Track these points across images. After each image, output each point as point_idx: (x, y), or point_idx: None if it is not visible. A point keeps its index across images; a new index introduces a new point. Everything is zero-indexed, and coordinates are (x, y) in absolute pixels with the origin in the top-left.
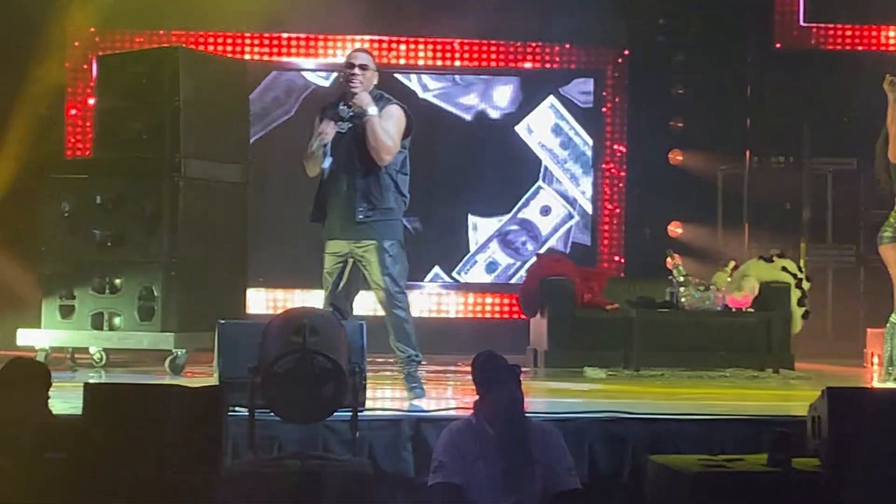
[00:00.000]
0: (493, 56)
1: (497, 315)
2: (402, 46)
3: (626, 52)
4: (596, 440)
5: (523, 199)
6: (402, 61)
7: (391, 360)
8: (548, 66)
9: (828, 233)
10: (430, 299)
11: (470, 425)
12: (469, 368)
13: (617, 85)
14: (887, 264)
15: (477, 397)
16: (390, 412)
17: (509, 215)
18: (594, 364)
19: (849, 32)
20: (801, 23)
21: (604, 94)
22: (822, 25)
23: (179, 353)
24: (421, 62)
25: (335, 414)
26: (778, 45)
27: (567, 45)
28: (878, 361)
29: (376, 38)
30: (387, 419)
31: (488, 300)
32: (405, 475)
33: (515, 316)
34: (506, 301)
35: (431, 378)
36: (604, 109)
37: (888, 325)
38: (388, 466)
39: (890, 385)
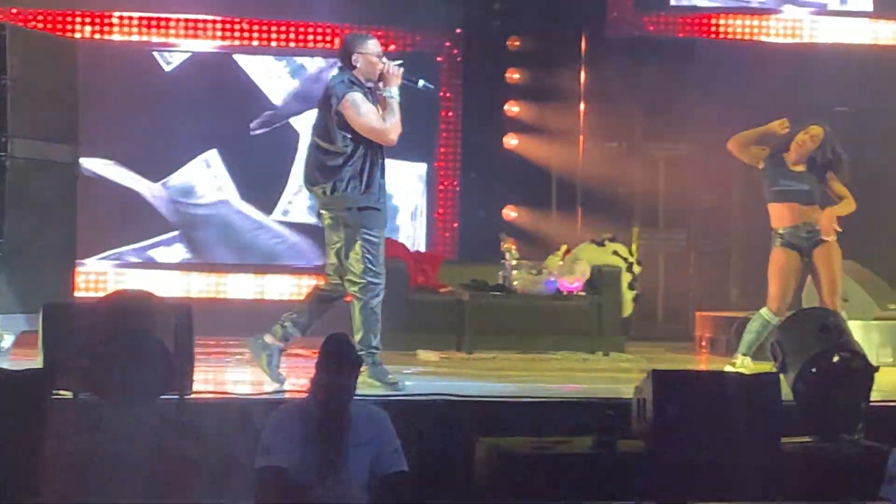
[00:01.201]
0: (328, 39)
1: None
2: (239, 27)
3: (461, 36)
4: (426, 422)
5: None
6: (236, 43)
7: (223, 343)
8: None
9: (659, 218)
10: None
11: (299, 407)
12: (303, 351)
13: (451, 69)
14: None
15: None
16: (219, 395)
17: None
18: (427, 347)
19: (681, 19)
20: (635, 9)
21: (439, 77)
22: (655, 12)
23: (5, 336)
24: (255, 43)
25: (162, 397)
26: (612, 32)
27: (401, 29)
28: (706, 344)
29: (208, 17)
30: (215, 402)
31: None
32: (234, 458)
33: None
34: None
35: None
36: (439, 94)
37: (757, 315)
38: (216, 450)
39: (728, 369)
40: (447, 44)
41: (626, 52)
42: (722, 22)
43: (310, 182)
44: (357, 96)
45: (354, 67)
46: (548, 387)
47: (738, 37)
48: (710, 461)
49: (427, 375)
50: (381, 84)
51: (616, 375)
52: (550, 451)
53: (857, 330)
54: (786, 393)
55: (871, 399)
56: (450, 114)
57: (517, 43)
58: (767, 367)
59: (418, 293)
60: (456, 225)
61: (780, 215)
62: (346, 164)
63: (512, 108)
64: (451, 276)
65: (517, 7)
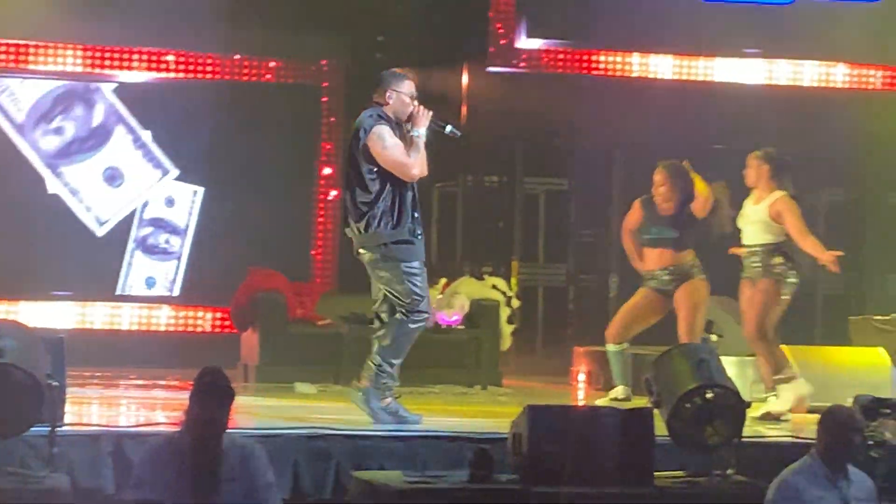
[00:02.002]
0: (210, 69)
1: (209, 328)
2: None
3: (344, 67)
4: (300, 456)
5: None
6: (111, 71)
7: (98, 375)
8: (265, 79)
9: (539, 252)
10: (142, 311)
11: (171, 440)
12: (179, 383)
13: (334, 100)
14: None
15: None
16: (90, 428)
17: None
18: (305, 379)
19: (561, 55)
20: (516, 45)
21: (321, 110)
22: (536, 48)
23: None
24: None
25: (32, 429)
26: (493, 66)
27: (282, 60)
28: (584, 378)
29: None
30: (86, 434)
31: (199, 313)
32: (104, 492)
33: (227, 330)
34: (217, 315)
35: (139, 392)
36: (321, 126)
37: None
38: (87, 483)
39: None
40: (330, 74)
41: (507, 86)
42: (602, 59)
43: (345, 223)
44: (384, 130)
45: (387, 104)
46: (425, 420)
47: (619, 74)
48: (585, 495)
49: (303, 408)
50: (409, 124)
51: (493, 409)
52: (425, 485)
53: (732, 366)
54: (660, 428)
55: (744, 435)
56: (329, 145)
57: None
58: (642, 401)
59: (297, 326)
60: (336, 256)
61: (647, 258)
62: (377, 202)
63: None
64: (330, 309)
65: (400, 40)
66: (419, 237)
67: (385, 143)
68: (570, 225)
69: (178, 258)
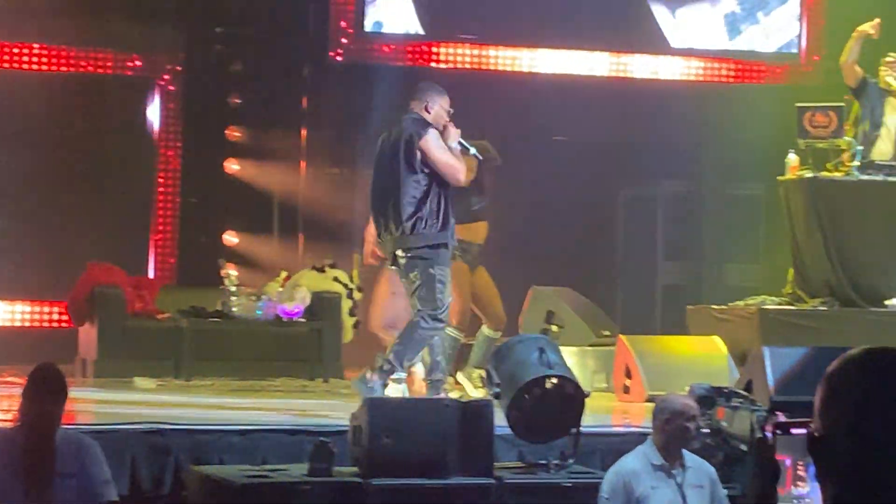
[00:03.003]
0: (45, 61)
1: (46, 323)
2: None
3: (183, 61)
4: (138, 451)
5: None
6: None
7: None
8: (100, 71)
9: None
10: None
11: (4, 437)
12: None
13: (172, 93)
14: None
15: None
16: None
17: None
18: (145, 374)
19: (405, 48)
20: (358, 36)
21: (159, 102)
22: (378, 40)
23: None
24: None
25: None
26: (334, 58)
27: (120, 52)
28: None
29: None
30: None
31: (37, 308)
32: None
33: (65, 325)
34: (55, 310)
35: None
36: (159, 118)
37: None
38: None
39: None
40: (168, 68)
41: (348, 78)
42: (443, 50)
43: (387, 218)
44: (436, 133)
45: (427, 113)
46: (265, 414)
47: (462, 66)
48: (425, 487)
49: (142, 403)
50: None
51: (335, 402)
52: (264, 479)
53: (572, 356)
54: (500, 419)
55: (583, 425)
56: (167, 137)
57: (239, 68)
58: (482, 392)
59: (136, 320)
60: (175, 250)
61: (475, 233)
62: (424, 204)
63: (233, 133)
64: (170, 302)
65: (240, 32)
66: (454, 243)
67: (440, 145)
68: None
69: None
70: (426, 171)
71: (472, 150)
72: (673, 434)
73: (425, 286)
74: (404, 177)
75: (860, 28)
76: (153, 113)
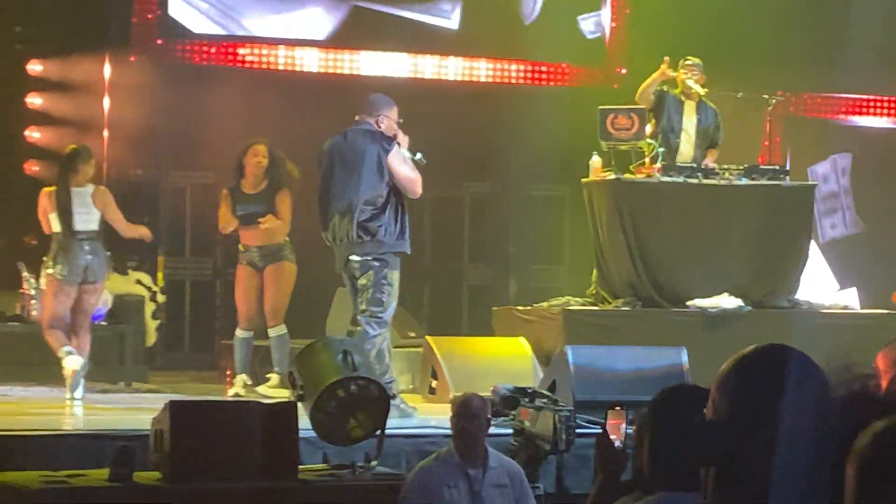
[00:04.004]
0: None
1: None
2: None
3: None
4: None
5: None
6: None
7: None
8: None
9: (186, 246)
10: None
11: None
12: None
13: None
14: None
15: None
16: None
17: None
18: None
19: (207, 47)
20: (160, 36)
21: None
22: (180, 40)
23: None
24: None
25: None
26: (136, 58)
27: None
28: (229, 373)
29: None
30: None
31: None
32: None
33: None
34: None
35: None
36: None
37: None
38: None
39: (239, 395)
40: None
41: (151, 78)
42: (246, 51)
43: (342, 228)
44: (398, 148)
45: (379, 126)
46: (66, 419)
47: (265, 66)
48: (228, 490)
49: None
50: None
51: (138, 406)
52: (62, 485)
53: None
54: (304, 421)
55: (388, 426)
56: None
57: (39, 67)
58: (286, 394)
59: None
60: None
61: (242, 236)
62: (384, 212)
63: (33, 134)
64: None
65: (40, 30)
66: (407, 251)
67: (403, 161)
68: (217, 218)
69: None
70: (386, 181)
71: (418, 156)
72: (458, 434)
73: (374, 288)
74: (365, 187)
75: (661, 70)
76: None
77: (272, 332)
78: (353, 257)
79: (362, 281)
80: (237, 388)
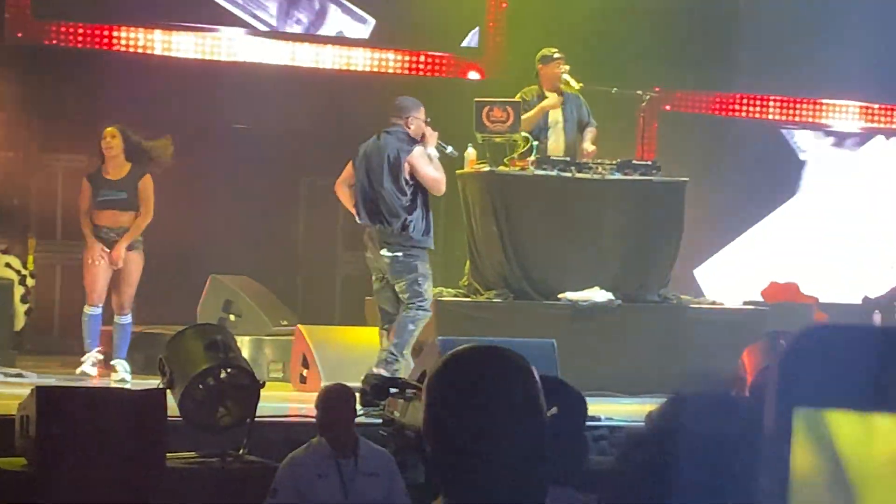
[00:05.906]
0: None
1: None
2: None
3: None
4: None
5: None
6: None
7: None
8: None
9: (57, 230)
10: None
11: None
12: None
13: None
14: None
15: None
16: None
17: None
18: None
19: (81, 31)
20: (33, 18)
21: None
22: (55, 22)
23: None
24: None
25: None
26: (9, 40)
27: None
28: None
29: None
30: None
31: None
32: None
33: None
34: None
35: None
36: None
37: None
38: None
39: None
40: None
41: (23, 60)
42: (123, 35)
43: (377, 221)
44: (422, 149)
45: (409, 127)
46: None
47: (141, 51)
48: (95, 478)
49: None
50: (422, 144)
51: (4, 391)
52: None
53: (249, 346)
54: (173, 409)
55: (259, 415)
56: None
57: None
58: (155, 381)
59: None
60: None
61: (98, 217)
62: (413, 209)
63: None
64: None
65: None
66: (431, 246)
67: (427, 162)
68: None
69: None
70: (412, 182)
71: (449, 149)
72: (325, 424)
73: (409, 283)
74: (392, 188)
75: (544, 104)
76: None
77: (124, 321)
78: (385, 252)
79: (399, 283)
80: (86, 365)
